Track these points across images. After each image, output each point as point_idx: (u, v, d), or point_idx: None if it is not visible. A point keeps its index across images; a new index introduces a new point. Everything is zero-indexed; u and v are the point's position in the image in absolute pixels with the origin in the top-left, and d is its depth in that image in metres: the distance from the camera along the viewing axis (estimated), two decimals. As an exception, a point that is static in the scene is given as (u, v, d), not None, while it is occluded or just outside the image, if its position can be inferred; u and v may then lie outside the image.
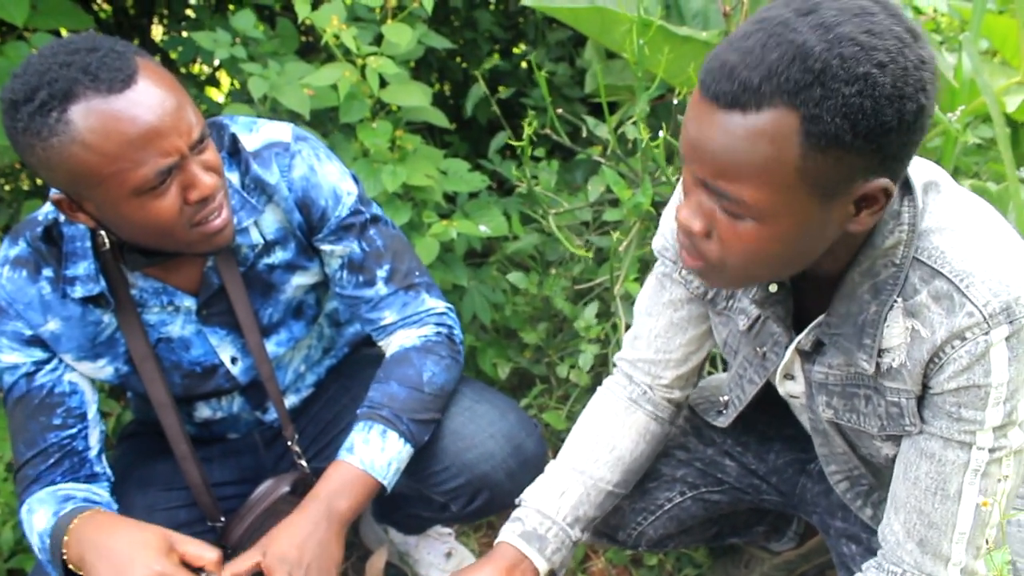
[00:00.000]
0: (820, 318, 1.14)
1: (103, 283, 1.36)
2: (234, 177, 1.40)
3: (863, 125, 0.90)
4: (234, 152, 1.41)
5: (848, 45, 0.89)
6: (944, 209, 1.07)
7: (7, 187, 2.53)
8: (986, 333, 1.01)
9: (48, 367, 1.41)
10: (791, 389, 1.29)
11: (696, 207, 1.02)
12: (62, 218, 1.35)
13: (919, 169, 1.09)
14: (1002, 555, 0.89)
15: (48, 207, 1.37)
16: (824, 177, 0.94)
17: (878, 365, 1.12)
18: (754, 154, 0.93)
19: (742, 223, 0.99)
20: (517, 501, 1.40)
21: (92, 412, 1.46)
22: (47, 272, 1.36)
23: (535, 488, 1.40)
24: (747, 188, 0.95)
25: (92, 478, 1.46)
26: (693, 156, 0.98)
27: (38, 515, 1.38)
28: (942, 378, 1.06)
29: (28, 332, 1.38)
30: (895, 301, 1.07)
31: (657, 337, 1.40)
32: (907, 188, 1.07)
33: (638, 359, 1.43)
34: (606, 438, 1.42)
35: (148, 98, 1.17)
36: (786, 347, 1.23)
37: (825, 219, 0.98)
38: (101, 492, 1.45)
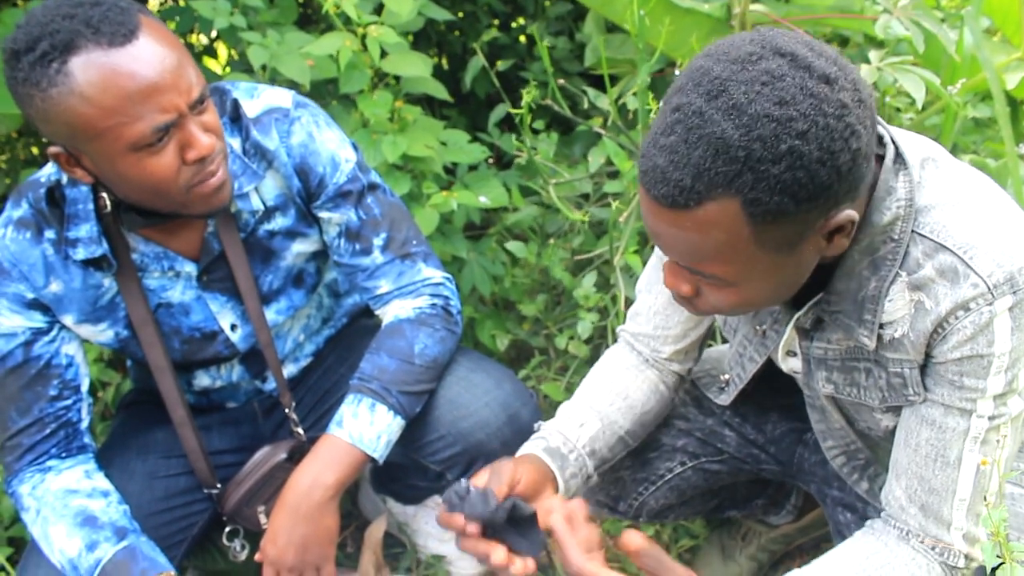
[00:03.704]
0: (819, 295, 1.14)
1: (105, 245, 1.36)
2: (235, 143, 1.40)
3: (803, 194, 0.92)
4: (236, 118, 1.41)
5: (764, 124, 0.90)
6: (943, 183, 1.08)
7: (3, 157, 2.52)
8: (990, 304, 1.02)
9: (46, 338, 1.41)
10: (794, 366, 1.29)
11: (678, 275, 1.08)
12: (64, 179, 1.35)
13: (914, 144, 1.09)
14: (999, 513, 0.90)
15: (50, 168, 1.37)
16: (782, 239, 0.97)
17: (879, 337, 1.12)
18: (709, 242, 0.97)
19: (724, 288, 1.05)
20: (535, 426, 1.42)
21: (85, 385, 1.47)
22: (49, 234, 1.36)
23: (553, 419, 1.42)
24: (714, 266, 1.01)
25: (81, 449, 1.48)
26: (658, 243, 1.04)
27: (57, 529, 1.39)
28: (945, 348, 1.06)
29: (30, 295, 1.38)
30: (899, 275, 1.08)
31: (656, 314, 1.42)
32: (902, 163, 1.07)
33: (639, 333, 1.45)
34: (619, 386, 1.44)
35: (149, 54, 1.17)
36: (786, 325, 1.23)
37: (798, 260, 1.03)
38: (105, 486, 1.46)
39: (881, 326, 1.11)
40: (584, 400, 1.43)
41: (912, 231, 1.06)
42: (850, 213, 0.99)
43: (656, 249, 1.42)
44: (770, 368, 1.37)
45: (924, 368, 1.12)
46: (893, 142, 1.07)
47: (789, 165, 0.90)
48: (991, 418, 1.08)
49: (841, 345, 1.19)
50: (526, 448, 1.37)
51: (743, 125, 0.90)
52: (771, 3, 1.95)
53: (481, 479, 1.24)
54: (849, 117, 0.93)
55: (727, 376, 1.48)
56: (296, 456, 1.53)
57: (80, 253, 1.36)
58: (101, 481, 1.46)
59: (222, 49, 2.63)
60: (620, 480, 1.56)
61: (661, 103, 0.99)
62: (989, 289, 1.02)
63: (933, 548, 1.14)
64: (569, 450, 1.36)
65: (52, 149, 1.24)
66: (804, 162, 0.90)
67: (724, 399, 1.50)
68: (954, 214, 1.05)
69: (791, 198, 0.92)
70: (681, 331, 1.42)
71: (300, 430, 1.59)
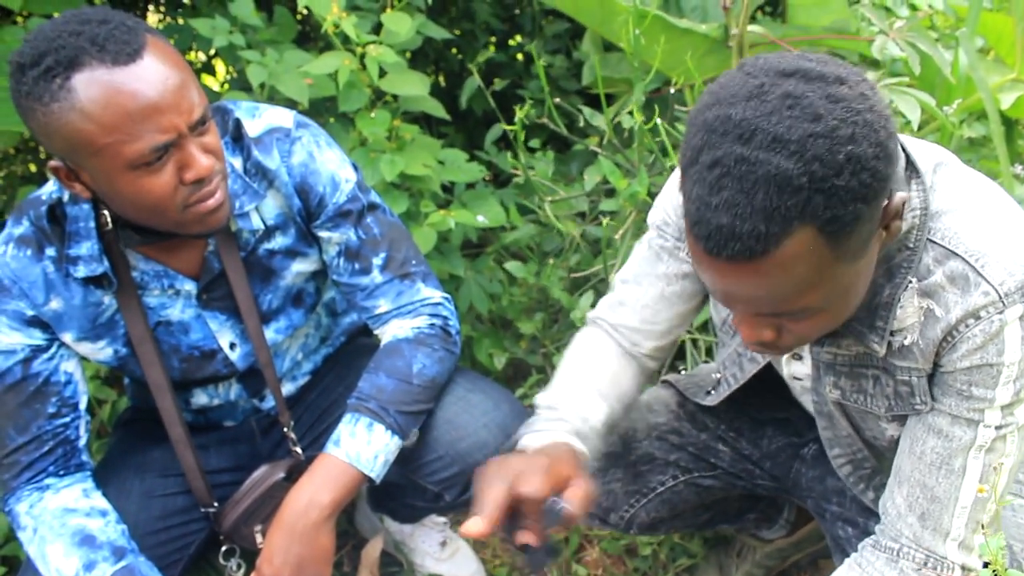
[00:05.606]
0: None
1: (106, 263, 1.36)
2: (237, 162, 1.40)
3: (870, 193, 0.91)
4: (237, 137, 1.41)
5: (813, 143, 0.88)
6: (954, 188, 1.08)
7: (1, 173, 2.52)
8: (1001, 312, 1.02)
9: (45, 355, 1.41)
10: (796, 370, 1.29)
11: (757, 325, 1.05)
12: (66, 197, 1.35)
13: (924, 151, 1.09)
14: (997, 540, 0.90)
15: (51, 186, 1.37)
16: (856, 244, 0.96)
17: (889, 345, 1.12)
18: (794, 278, 0.95)
19: (811, 317, 1.02)
20: (537, 400, 1.35)
21: (84, 403, 1.46)
22: (50, 251, 1.36)
23: (556, 392, 1.35)
24: (803, 300, 0.98)
25: (79, 467, 1.47)
26: (735, 302, 1.02)
27: (54, 548, 1.39)
28: (955, 356, 1.06)
29: (30, 312, 1.37)
30: (909, 282, 1.08)
31: (644, 307, 1.38)
32: (914, 170, 1.07)
33: (621, 324, 1.40)
34: (611, 372, 1.38)
35: (151, 74, 1.17)
36: None
37: (869, 259, 1.02)
38: (103, 505, 1.46)
39: (891, 333, 1.11)
40: (585, 382, 1.36)
41: (925, 238, 1.06)
42: (901, 194, 0.98)
43: (646, 244, 1.37)
44: (766, 380, 1.36)
45: (932, 377, 1.12)
46: (904, 150, 1.07)
47: (852, 172, 0.89)
48: (998, 427, 1.08)
49: (851, 350, 1.18)
50: (547, 432, 1.27)
51: (794, 153, 0.88)
52: (768, 24, 1.97)
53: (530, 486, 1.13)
54: (876, 105, 0.93)
55: (719, 375, 1.46)
56: (294, 475, 1.52)
57: (81, 271, 1.36)
58: (99, 500, 1.46)
59: (220, 67, 2.64)
60: (611, 492, 1.55)
61: (683, 165, 0.96)
62: (1000, 298, 1.01)
63: (925, 564, 1.14)
64: (589, 428, 1.30)
65: (52, 163, 1.25)
66: (863, 163, 0.90)
67: (711, 400, 1.49)
68: (965, 220, 1.05)
69: (863, 201, 0.91)
70: (666, 328, 1.39)
71: (298, 449, 1.59)
